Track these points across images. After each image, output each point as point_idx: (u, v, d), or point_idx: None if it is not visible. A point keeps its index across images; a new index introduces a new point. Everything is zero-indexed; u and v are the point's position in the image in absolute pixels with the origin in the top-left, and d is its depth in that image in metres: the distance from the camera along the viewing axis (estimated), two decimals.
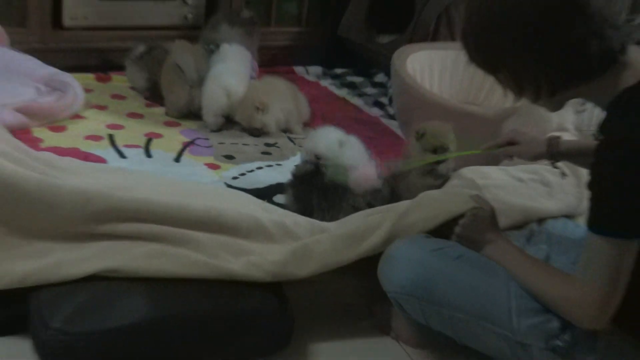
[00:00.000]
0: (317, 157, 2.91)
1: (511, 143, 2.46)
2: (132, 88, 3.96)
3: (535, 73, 1.96)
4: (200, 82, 3.67)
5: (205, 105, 3.66)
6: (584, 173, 2.66)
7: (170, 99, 3.74)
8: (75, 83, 3.69)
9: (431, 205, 2.40)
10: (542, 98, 2.01)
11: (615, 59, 1.94)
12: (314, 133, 3.07)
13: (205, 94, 3.66)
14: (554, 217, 2.60)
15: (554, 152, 2.40)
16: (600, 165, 1.91)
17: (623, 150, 1.86)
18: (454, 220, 2.31)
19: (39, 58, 3.89)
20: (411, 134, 2.87)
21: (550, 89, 1.98)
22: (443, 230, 2.34)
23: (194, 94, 3.67)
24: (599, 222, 1.93)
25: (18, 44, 3.96)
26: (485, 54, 2.02)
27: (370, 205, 2.75)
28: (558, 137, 2.41)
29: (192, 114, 3.72)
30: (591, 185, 1.93)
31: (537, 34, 1.91)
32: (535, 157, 2.47)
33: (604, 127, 1.95)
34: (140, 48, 3.88)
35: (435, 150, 2.78)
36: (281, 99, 3.66)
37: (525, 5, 1.91)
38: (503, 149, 2.48)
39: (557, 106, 2.08)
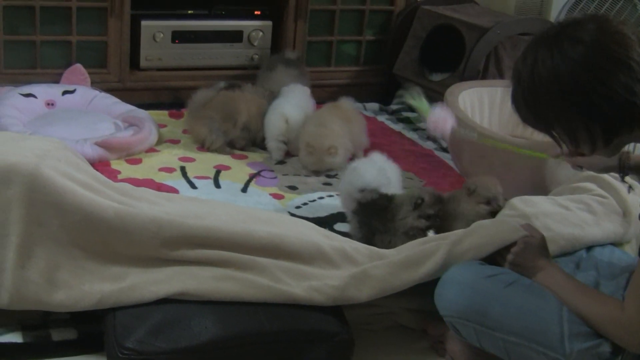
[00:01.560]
0: (361, 190, 2.85)
1: (582, 154, 2.38)
2: None
3: (587, 127, 1.90)
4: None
5: (267, 131, 3.67)
6: (632, 205, 2.60)
7: (190, 129, 3.77)
8: (150, 119, 3.70)
9: (484, 233, 2.35)
10: (599, 148, 1.95)
11: None
12: (354, 167, 3.00)
13: (266, 122, 3.67)
14: (601, 245, 2.53)
15: (624, 166, 2.32)
16: None
17: None
18: (506, 248, 2.26)
19: (117, 96, 3.93)
20: (462, 191, 2.83)
21: (605, 139, 1.92)
22: (495, 258, 2.29)
23: (213, 132, 3.68)
24: None
25: (98, 84, 4.00)
26: (537, 116, 1.98)
27: (424, 229, 2.72)
28: (628, 152, 2.32)
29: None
30: None
31: (584, 92, 1.86)
32: (605, 170, 2.39)
33: None
34: (220, 85, 3.89)
35: (488, 202, 2.75)
36: (342, 137, 3.60)
37: (569, 66, 1.86)
38: (573, 159, 2.39)
39: (614, 152, 2.01)
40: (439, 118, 2.83)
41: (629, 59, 1.84)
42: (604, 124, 1.89)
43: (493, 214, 2.74)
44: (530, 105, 1.97)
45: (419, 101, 2.89)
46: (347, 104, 3.77)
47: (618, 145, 1.97)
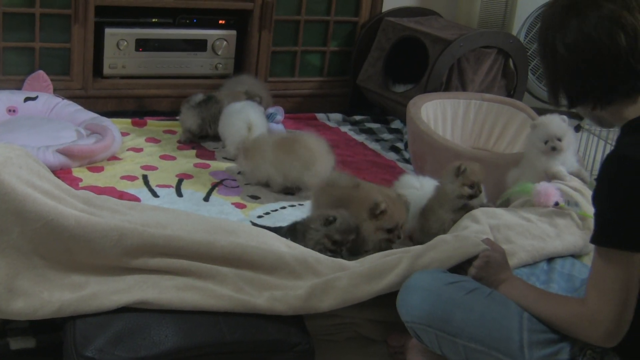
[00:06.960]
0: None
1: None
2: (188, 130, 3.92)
3: (590, 84, 1.98)
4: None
5: (228, 136, 3.67)
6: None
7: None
8: (113, 127, 3.68)
9: (445, 247, 2.35)
10: (597, 108, 2.02)
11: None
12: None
13: (227, 126, 3.67)
14: (562, 257, 2.55)
15: None
16: (601, 179, 1.90)
17: (619, 166, 1.85)
18: (467, 261, 2.27)
19: (80, 104, 3.90)
20: (448, 171, 2.86)
21: (603, 101, 1.99)
22: (457, 272, 2.29)
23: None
24: (600, 234, 1.90)
25: (61, 91, 3.97)
26: (545, 69, 2.09)
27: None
28: None
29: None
30: (594, 199, 1.91)
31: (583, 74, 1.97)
32: None
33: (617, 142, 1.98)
34: (198, 97, 3.88)
35: (472, 185, 2.79)
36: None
37: (578, 54, 1.96)
38: None
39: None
40: (542, 192, 2.82)
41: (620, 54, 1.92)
42: (604, 83, 1.96)
43: (471, 197, 2.80)
44: (542, 58, 2.08)
45: (521, 186, 2.93)
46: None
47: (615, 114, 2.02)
